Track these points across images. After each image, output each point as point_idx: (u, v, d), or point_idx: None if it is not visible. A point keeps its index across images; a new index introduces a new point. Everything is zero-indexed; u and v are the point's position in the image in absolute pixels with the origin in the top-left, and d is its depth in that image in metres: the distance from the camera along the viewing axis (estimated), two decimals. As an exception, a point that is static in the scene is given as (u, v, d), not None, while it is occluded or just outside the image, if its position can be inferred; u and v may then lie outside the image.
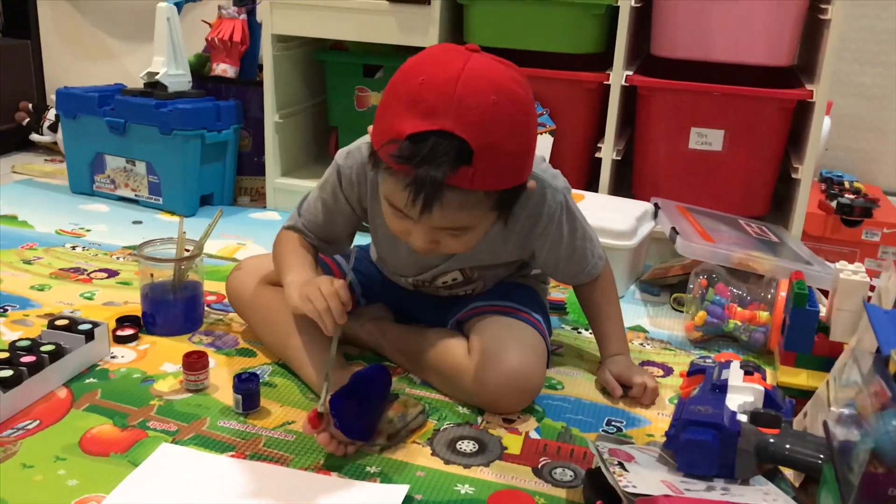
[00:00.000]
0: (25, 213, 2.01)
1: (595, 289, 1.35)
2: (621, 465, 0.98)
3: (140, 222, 2.01)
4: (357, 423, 1.11)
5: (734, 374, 1.15)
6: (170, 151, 2.02)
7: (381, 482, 1.06)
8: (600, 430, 1.21)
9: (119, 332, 1.39)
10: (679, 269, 1.72)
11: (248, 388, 1.19)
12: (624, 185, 2.03)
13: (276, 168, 2.16)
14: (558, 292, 1.64)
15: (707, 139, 1.82)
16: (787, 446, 0.98)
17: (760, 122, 1.79)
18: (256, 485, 1.04)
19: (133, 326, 1.41)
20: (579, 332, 1.53)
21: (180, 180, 2.05)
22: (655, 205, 1.77)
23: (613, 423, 1.23)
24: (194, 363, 1.24)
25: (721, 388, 1.12)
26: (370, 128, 1.11)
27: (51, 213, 2.03)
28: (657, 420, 1.25)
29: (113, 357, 1.34)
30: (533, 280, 1.40)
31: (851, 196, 1.92)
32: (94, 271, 1.68)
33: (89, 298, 1.55)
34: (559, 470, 1.11)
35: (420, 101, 1.01)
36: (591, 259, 1.31)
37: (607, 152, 1.89)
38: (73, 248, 1.80)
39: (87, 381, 1.26)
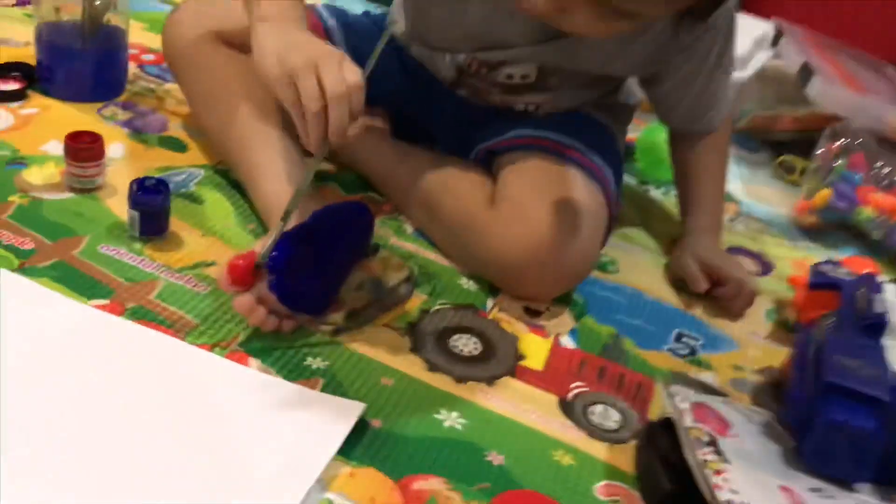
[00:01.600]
0: None
1: (706, 145, 0.94)
2: (714, 446, 0.59)
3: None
4: (305, 288, 0.71)
5: (894, 307, 0.74)
6: None
7: (325, 390, 0.67)
8: (665, 347, 0.81)
9: (-2, 85, 0.97)
10: (791, 121, 1.27)
11: (148, 203, 0.78)
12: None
13: None
14: (625, 127, 1.20)
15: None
16: None
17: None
18: (126, 362, 0.66)
19: (21, 80, 0.98)
20: (647, 191, 1.10)
21: None
22: (778, 28, 1.28)
23: (685, 340, 0.83)
24: (82, 150, 0.82)
25: (875, 329, 0.71)
26: None
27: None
28: (749, 344, 0.85)
29: (-21, 120, 0.92)
30: (612, 115, 0.95)
31: None
32: (0, -6, 1.22)
33: (-24, 30, 1.11)
34: (599, 408, 0.72)
35: None
36: (720, 104, 0.89)
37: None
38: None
39: (-73, 149, 0.86)
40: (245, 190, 0.87)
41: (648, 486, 0.64)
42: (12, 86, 0.97)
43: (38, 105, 0.97)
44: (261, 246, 0.70)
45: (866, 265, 0.96)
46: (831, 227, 1.08)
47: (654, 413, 0.72)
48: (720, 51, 0.86)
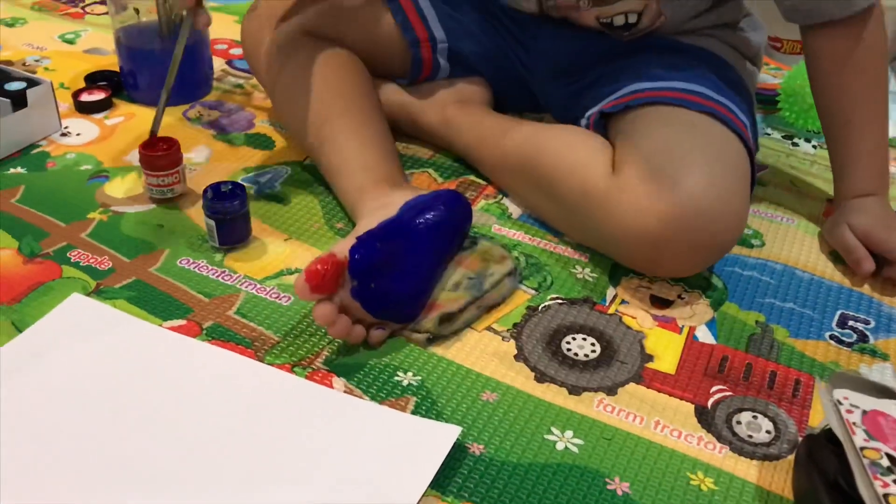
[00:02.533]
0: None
1: (849, 45, 0.72)
2: (898, 472, 0.46)
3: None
4: (392, 292, 0.63)
5: None
6: None
7: (417, 409, 0.59)
8: (827, 335, 0.68)
9: (84, 97, 0.94)
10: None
11: (224, 210, 0.72)
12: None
13: None
14: (766, 74, 1.04)
15: None
16: None
17: None
18: (199, 387, 0.60)
19: (106, 88, 0.95)
20: (795, 145, 0.95)
21: None
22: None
23: (852, 324, 0.69)
24: (157, 158, 0.77)
25: None
26: None
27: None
28: (934, 324, 0.70)
29: (65, 134, 0.89)
30: (737, 52, 0.81)
31: None
32: (94, 3, 1.20)
33: (70, 42, 1.09)
34: (746, 417, 0.60)
35: None
36: None
37: None
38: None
39: (12, 170, 0.83)
40: (329, 185, 0.79)
41: (805, 494, 0.52)
42: (97, 96, 0.94)
43: (123, 113, 0.94)
44: (341, 248, 0.63)
45: None
46: None
47: (817, 420, 0.60)
48: None
